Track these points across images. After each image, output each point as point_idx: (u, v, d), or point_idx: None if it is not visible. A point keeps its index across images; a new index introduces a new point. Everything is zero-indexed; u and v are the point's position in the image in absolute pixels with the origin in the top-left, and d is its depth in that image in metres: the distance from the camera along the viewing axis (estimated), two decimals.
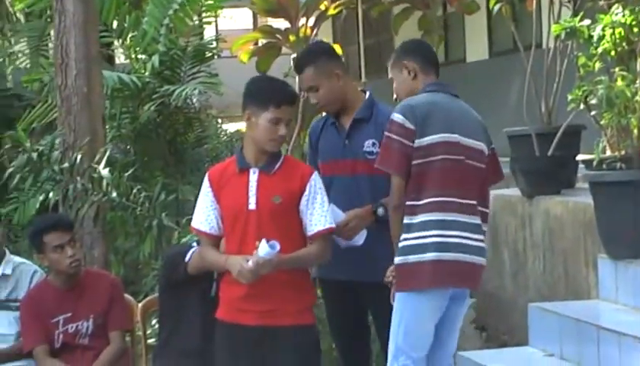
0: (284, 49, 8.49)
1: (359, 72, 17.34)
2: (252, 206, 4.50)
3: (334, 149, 5.06)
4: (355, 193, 4.92)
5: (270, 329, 4.51)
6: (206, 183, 4.63)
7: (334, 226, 4.57)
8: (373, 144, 4.93)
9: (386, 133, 4.56)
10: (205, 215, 4.59)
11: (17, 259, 5.79)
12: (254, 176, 4.51)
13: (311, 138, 5.26)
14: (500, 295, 7.51)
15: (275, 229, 4.45)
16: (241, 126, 8.87)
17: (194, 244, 5.09)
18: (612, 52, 5.76)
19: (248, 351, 4.55)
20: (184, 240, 6.13)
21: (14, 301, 5.57)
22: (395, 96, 4.84)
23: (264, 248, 4.32)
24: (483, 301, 7.47)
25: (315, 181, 4.55)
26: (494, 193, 7.71)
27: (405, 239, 4.51)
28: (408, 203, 4.52)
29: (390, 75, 4.90)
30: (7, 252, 5.75)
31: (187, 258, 4.95)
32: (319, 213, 4.52)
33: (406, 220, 4.51)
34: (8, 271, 5.62)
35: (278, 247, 4.31)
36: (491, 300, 7.57)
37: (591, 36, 5.79)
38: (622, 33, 5.72)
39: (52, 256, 5.36)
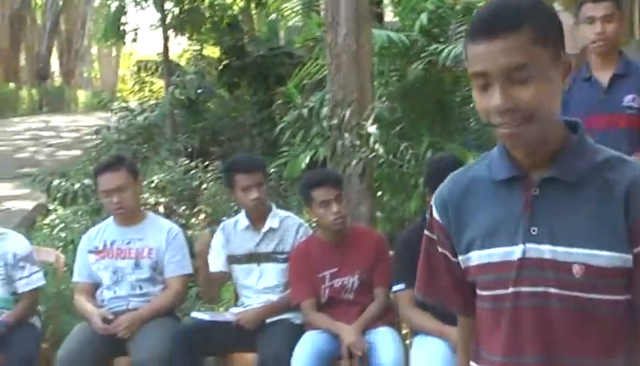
0: None
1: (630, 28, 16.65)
2: None
3: (587, 104, 4.91)
4: (612, 147, 4.75)
5: None
6: None
7: None
8: (633, 99, 4.78)
9: None
10: None
11: (283, 213, 5.91)
12: None
13: None
14: None
15: None
16: None
17: None
18: None
19: None
20: None
21: (280, 253, 5.71)
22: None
23: None
24: None
25: None
26: None
27: None
28: None
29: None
30: (273, 206, 5.88)
31: None
32: None
33: None
34: (275, 225, 5.75)
35: None
36: None
37: None
38: None
39: (319, 211, 5.44)
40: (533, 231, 2.33)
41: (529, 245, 2.33)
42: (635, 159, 2.39)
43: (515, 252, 2.35)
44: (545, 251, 2.32)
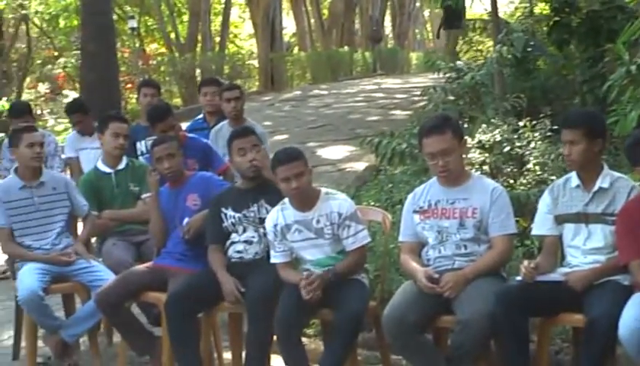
0: None
1: None
2: None
3: None
4: None
5: None
6: None
7: None
8: None
9: None
10: None
11: (616, 174, 5.75)
12: None
13: None
14: None
15: None
16: None
17: None
18: None
19: None
20: None
21: (610, 215, 5.57)
22: None
23: None
24: None
25: None
26: None
27: None
28: None
29: None
30: (604, 165, 5.74)
31: None
32: None
33: None
34: (606, 185, 5.62)
35: None
36: None
37: None
38: None
39: None
40: None
41: None
42: None
43: None
44: None
